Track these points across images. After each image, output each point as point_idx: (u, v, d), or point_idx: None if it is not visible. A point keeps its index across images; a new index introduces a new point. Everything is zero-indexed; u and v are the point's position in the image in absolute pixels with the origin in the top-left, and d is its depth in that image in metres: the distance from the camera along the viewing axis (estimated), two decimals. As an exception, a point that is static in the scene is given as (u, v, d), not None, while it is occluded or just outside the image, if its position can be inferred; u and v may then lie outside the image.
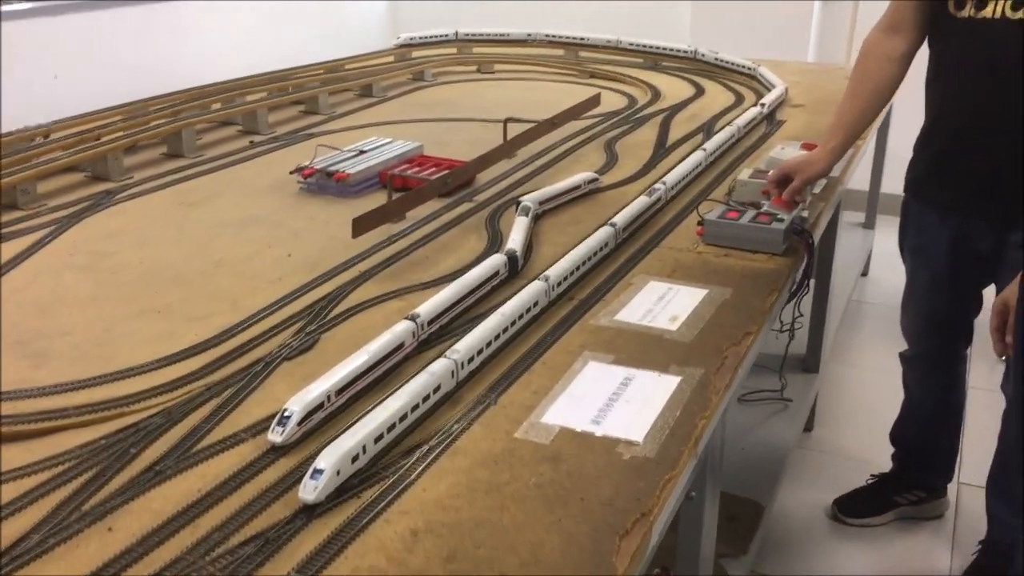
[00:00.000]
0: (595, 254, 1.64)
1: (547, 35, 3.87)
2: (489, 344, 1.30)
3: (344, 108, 2.98)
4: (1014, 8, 1.70)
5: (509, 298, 1.41)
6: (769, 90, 3.02)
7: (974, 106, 1.89)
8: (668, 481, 1.05)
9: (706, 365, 1.32)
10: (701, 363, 1.33)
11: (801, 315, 1.98)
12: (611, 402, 1.21)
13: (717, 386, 1.27)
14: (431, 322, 1.36)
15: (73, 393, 1.24)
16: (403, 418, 1.11)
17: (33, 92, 3.32)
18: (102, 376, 1.28)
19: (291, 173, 2.15)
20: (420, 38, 3.95)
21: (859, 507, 2.44)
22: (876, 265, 4.01)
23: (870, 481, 2.50)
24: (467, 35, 3.97)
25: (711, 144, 2.27)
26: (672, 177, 2.01)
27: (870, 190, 4.04)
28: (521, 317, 1.39)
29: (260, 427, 1.15)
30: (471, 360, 1.26)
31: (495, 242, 1.79)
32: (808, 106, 2.95)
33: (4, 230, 1.86)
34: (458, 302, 1.43)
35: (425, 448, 1.10)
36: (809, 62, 4.43)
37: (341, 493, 1.01)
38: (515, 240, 1.66)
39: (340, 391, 1.17)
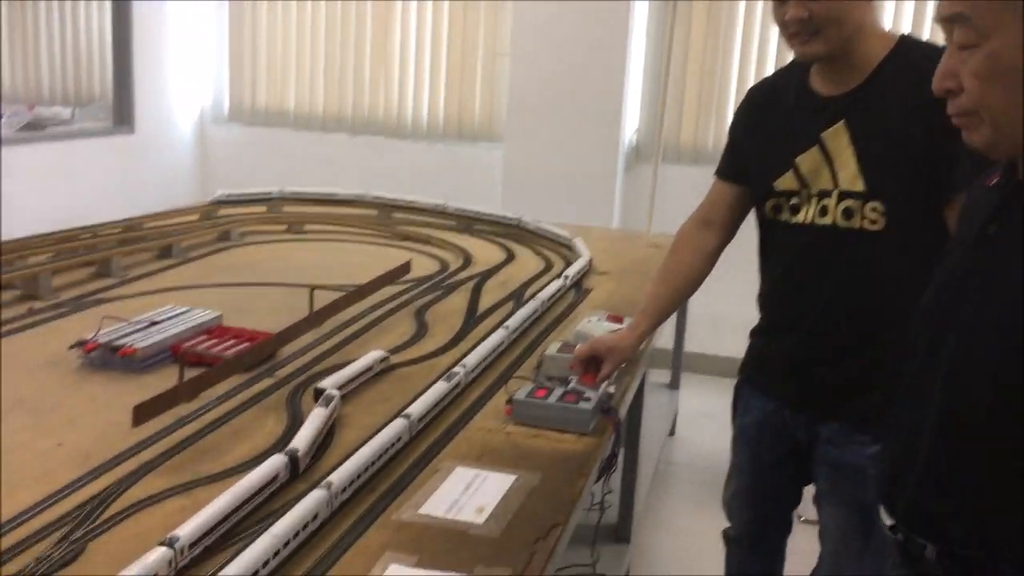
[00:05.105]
0: (387, 451, 1.54)
1: (375, 196, 3.87)
2: (266, 564, 1.17)
3: (139, 271, 2.81)
4: (820, 215, 1.80)
5: (291, 503, 1.30)
6: (578, 256, 3.10)
7: (785, 303, 1.93)
8: None
9: (514, 563, 1.26)
10: (509, 561, 1.26)
11: (611, 491, 1.96)
12: (413, 614, 1.12)
13: (526, 587, 1.21)
14: (193, 545, 1.19)
15: None
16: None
17: None
18: None
19: (70, 348, 1.97)
20: (237, 195, 3.86)
21: None
22: (682, 424, 4.02)
23: None
24: (292, 194, 3.91)
25: (514, 321, 2.25)
26: (472, 359, 1.96)
27: (674, 350, 4.13)
28: (298, 535, 1.25)
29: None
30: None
31: (295, 426, 1.68)
32: (613, 274, 3.04)
33: None
34: (229, 515, 1.27)
35: None
36: (614, 228, 4.64)
37: None
38: (302, 437, 1.52)
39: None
